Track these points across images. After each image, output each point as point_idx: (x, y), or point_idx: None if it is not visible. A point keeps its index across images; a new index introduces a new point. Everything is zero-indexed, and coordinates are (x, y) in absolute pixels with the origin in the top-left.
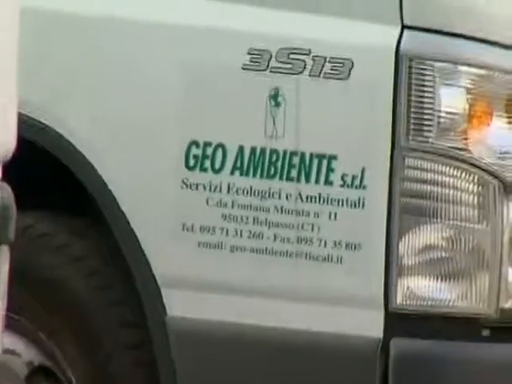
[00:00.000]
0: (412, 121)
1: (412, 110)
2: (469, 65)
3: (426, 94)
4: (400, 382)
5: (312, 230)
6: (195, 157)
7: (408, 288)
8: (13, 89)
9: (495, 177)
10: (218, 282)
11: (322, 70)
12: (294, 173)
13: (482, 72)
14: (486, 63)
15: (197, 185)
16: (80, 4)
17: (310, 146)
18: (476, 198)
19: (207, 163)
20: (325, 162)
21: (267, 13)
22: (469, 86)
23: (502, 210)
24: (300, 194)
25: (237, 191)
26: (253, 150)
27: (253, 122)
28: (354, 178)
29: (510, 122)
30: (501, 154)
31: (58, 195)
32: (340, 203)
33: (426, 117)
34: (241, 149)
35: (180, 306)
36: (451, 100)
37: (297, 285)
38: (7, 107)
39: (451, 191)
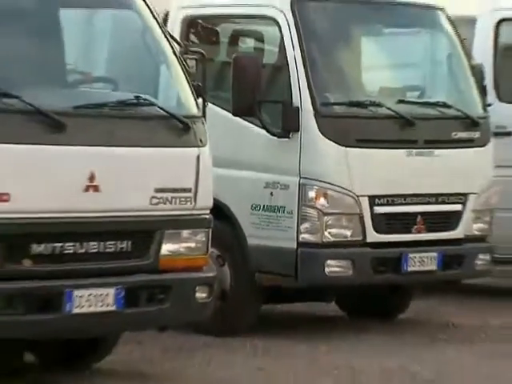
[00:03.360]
0: (304, 195)
1: (303, 194)
2: (316, 186)
3: (308, 192)
4: None
5: (280, 207)
6: (254, 207)
7: (311, 224)
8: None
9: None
10: (263, 236)
11: (279, 186)
12: (276, 209)
13: (322, 189)
14: (322, 186)
15: (253, 210)
16: None
17: (280, 203)
18: (313, 213)
19: (257, 208)
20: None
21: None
22: (317, 190)
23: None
24: (277, 216)
25: (263, 216)
26: (266, 205)
27: (265, 199)
28: (282, 206)
29: (324, 198)
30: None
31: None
32: (283, 209)
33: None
34: (263, 205)
35: (251, 240)
36: (311, 194)
37: (277, 233)
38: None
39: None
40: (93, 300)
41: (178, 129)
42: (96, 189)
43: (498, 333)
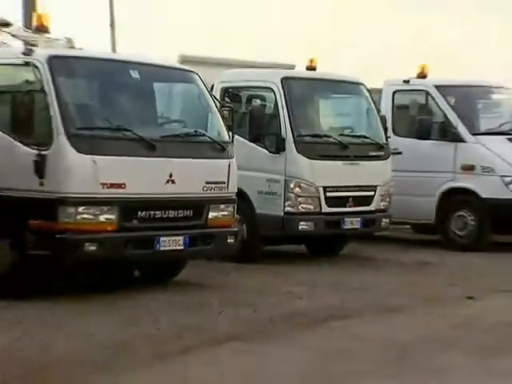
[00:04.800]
0: (287, 186)
1: (287, 185)
2: (294, 181)
3: (289, 184)
4: None
5: (274, 192)
6: (259, 192)
7: (291, 201)
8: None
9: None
10: (264, 208)
11: (274, 181)
12: (272, 193)
13: (297, 183)
14: (298, 181)
15: (259, 194)
16: None
17: (274, 190)
18: (292, 196)
19: (262, 193)
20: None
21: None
22: (295, 183)
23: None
24: (272, 198)
25: (264, 197)
26: (267, 191)
27: (266, 187)
28: (275, 192)
29: (299, 188)
30: None
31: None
32: (276, 194)
33: (289, 186)
34: (265, 191)
35: (258, 211)
36: (291, 185)
37: (271, 205)
38: (235, 184)
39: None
40: (171, 242)
41: (218, 149)
42: (173, 182)
43: (392, 263)
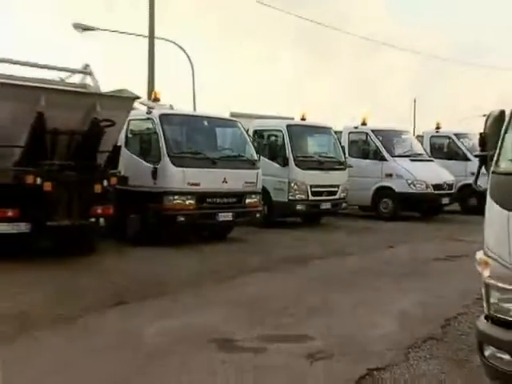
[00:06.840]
0: (289, 185)
1: (289, 184)
2: (293, 182)
3: (291, 184)
4: None
5: (282, 188)
6: (274, 188)
7: (292, 193)
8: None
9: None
10: (277, 197)
11: (282, 182)
12: (281, 189)
13: (295, 182)
14: (295, 182)
15: (274, 189)
16: None
17: (282, 187)
18: (292, 190)
19: (275, 188)
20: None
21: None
22: (294, 183)
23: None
24: (281, 191)
25: (277, 191)
26: (278, 188)
27: (278, 185)
28: (283, 188)
29: (296, 185)
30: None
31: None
32: (283, 189)
33: (291, 185)
34: (277, 188)
35: (273, 199)
36: (292, 184)
37: (280, 195)
38: (261, 183)
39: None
40: (225, 216)
41: (251, 164)
42: (226, 182)
43: (348, 227)
